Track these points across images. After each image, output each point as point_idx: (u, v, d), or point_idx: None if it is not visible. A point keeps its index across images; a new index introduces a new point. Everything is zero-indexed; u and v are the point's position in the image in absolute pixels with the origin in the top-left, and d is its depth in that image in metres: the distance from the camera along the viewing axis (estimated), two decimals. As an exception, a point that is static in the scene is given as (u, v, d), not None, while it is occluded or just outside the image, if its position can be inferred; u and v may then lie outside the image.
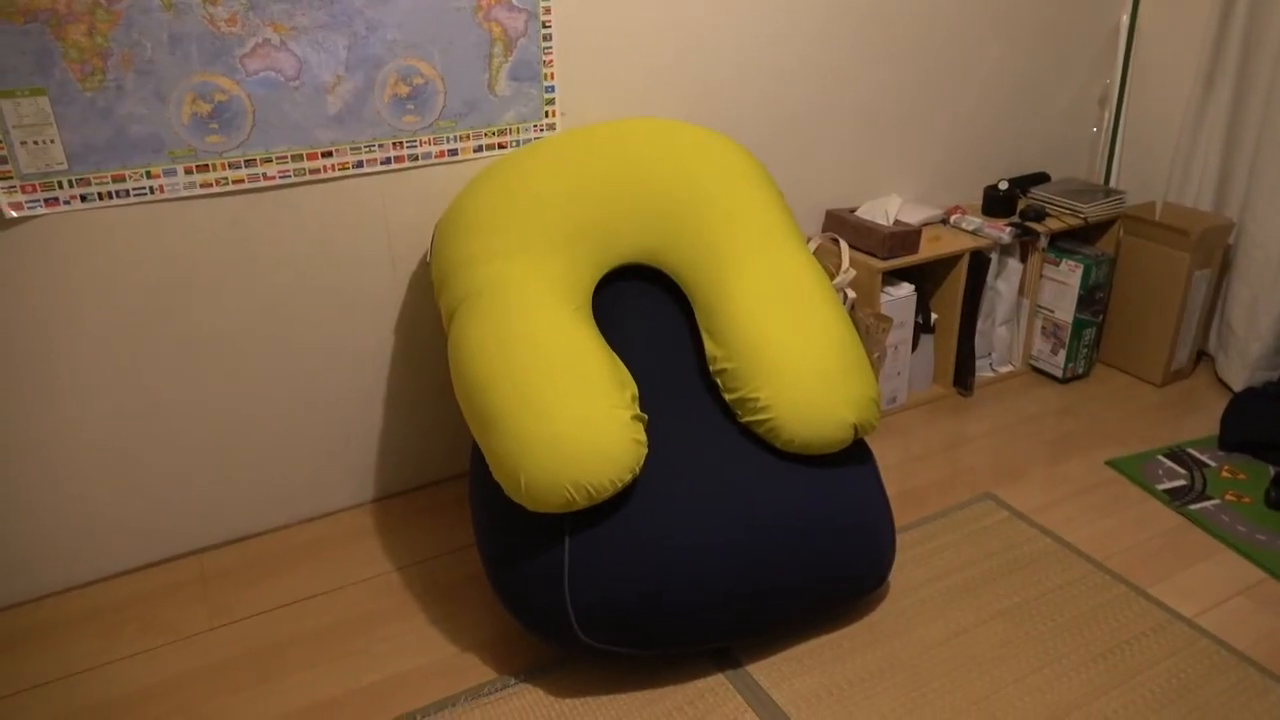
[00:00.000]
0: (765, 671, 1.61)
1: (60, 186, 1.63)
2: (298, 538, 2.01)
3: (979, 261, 2.36)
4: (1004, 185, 2.46)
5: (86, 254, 1.68)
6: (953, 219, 2.44)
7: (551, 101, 1.98)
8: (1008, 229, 2.34)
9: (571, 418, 1.48)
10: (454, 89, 1.87)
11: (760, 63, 2.17)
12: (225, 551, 1.96)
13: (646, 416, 1.62)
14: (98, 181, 1.65)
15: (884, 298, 2.26)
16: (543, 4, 1.88)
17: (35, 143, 1.59)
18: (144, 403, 1.81)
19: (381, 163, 1.86)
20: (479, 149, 1.94)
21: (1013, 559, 1.87)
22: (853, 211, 2.38)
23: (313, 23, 1.71)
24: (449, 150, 1.91)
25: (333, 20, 1.72)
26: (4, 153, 1.57)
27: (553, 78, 1.96)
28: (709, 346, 1.74)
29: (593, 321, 1.72)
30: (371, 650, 1.69)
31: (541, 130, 1.99)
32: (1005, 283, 2.46)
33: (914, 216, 2.41)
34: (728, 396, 1.70)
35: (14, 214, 1.61)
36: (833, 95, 2.29)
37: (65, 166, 1.62)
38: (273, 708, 1.56)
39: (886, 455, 2.24)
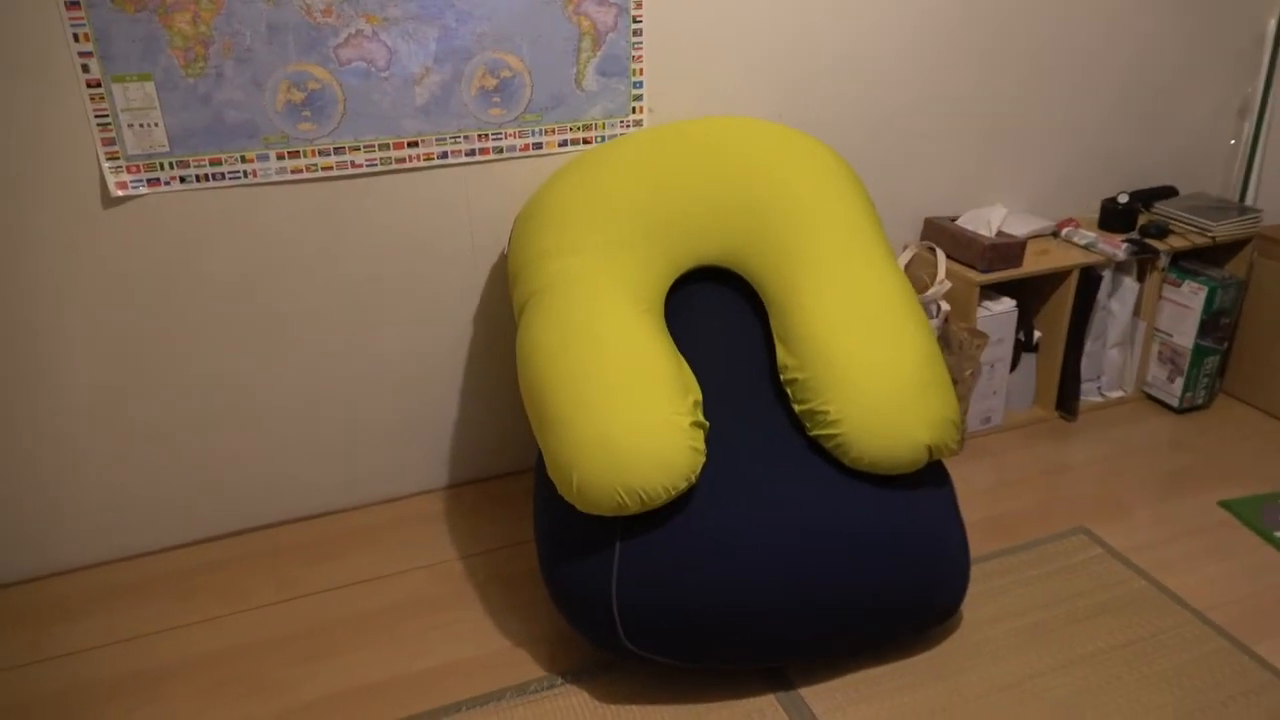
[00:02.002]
0: (820, 697, 1.55)
1: (162, 168, 1.70)
2: (370, 519, 2.05)
3: (1090, 279, 2.21)
4: (1124, 198, 2.30)
5: (184, 233, 1.75)
6: (1064, 232, 2.29)
7: (639, 98, 1.95)
8: (1124, 245, 2.18)
9: (628, 421, 1.46)
10: (541, 83, 1.86)
11: (858, 60, 2.09)
12: (299, 527, 2.02)
13: (708, 423, 1.58)
14: (196, 164, 1.72)
15: (982, 312, 2.15)
16: (634, -2, 1.86)
17: (141, 125, 1.67)
18: (231, 378, 1.88)
19: (466, 154, 1.87)
20: (564, 143, 1.93)
21: (1102, 601, 1.74)
22: (954, 220, 2.26)
23: (404, 14, 1.73)
24: (533, 144, 1.91)
25: (424, 12, 1.74)
26: (113, 134, 1.65)
27: (641, 74, 1.93)
28: (781, 355, 1.68)
29: (663, 322, 1.68)
30: (427, 636, 1.71)
31: (628, 126, 1.97)
32: (1119, 302, 2.30)
33: (1020, 228, 2.27)
34: (797, 408, 1.64)
35: (120, 193, 1.69)
36: (937, 95, 2.19)
37: (167, 149, 1.69)
38: (325, 685, 1.60)
39: (976, 478, 2.12)
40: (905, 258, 2.26)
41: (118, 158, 1.67)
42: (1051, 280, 2.23)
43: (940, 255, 2.17)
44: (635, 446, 1.44)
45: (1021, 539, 1.92)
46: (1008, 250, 2.12)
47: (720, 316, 1.81)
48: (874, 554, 1.53)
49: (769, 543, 1.50)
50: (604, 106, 1.93)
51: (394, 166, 1.83)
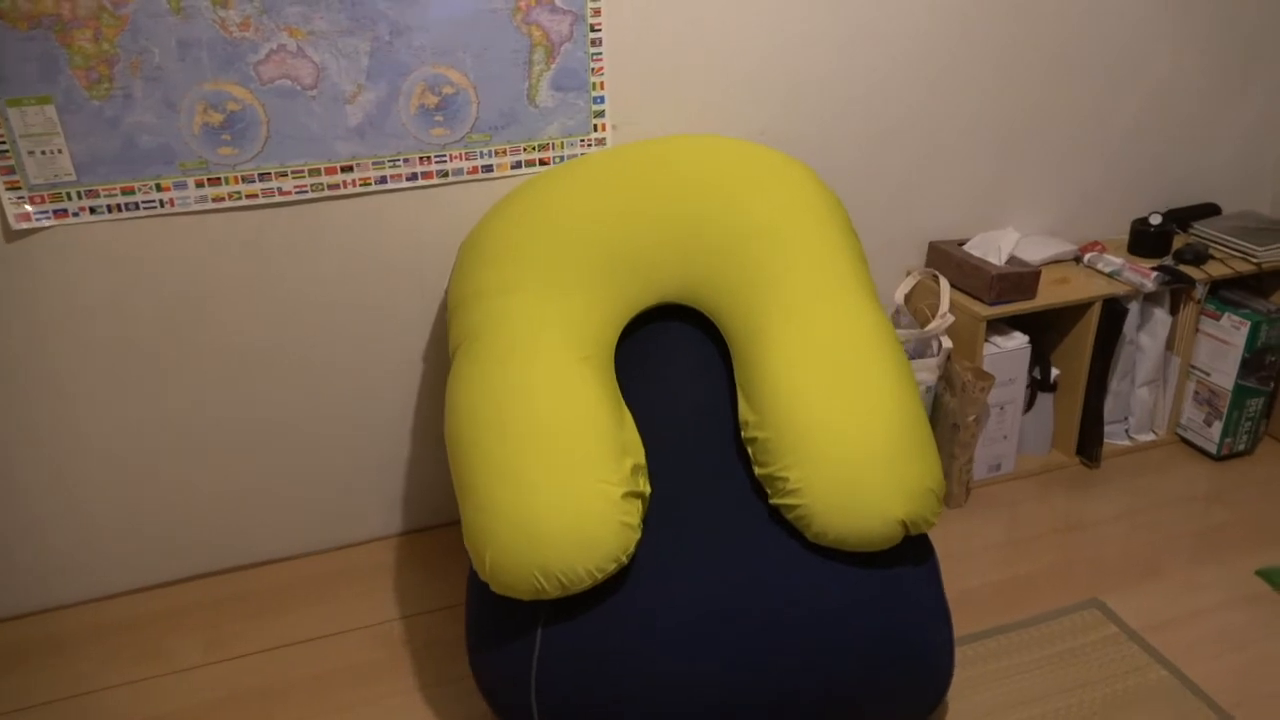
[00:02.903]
0: (772, 804, 1.36)
1: (69, 198, 1.57)
2: (316, 568, 1.91)
3: (1114, 311, 1.97)
4: (1156, 219, 2.05)
5: (97, 268, 1.62)
6: (1087, 257, 2.05)
7: (601, 114, 1.77)
8: (1153, 274, 1.94)
9: (549, 493, 1.28)
10: (488, 99, 1.69)
11: (852, 69, 1.87)
12: (240, 576, 1.88)
13: (648, 491, 1.39)
14: (106, 193, 1.58)
15: (989, 349, 1.92)
16: (591, 5, 1.67)
17: (43, 152, 1.53)
18: (158, 419, 1.75)
19: (407, 179, 1.71)
20: (517, 165, 1.76)
21: (1112, 693, 1.51)
22: (961, 245, 2.04)
23: (332, 27, 1.57)
24: (482, 166, 1.74)
25: (354, 24, 1.58)
26: (12, 163, 1.52)
27: (602, 87, 1.75)
28: (742, 409, 1.49)
29: (608, 370, 1.50)
30: (356, 711, 1.55)
31: (590, 145, 1.79)
32: (1149, 336, 2.06)
33: (1037, 253, 2.04)
34: (758, 470, 1.44)
35: (23, 225, 1.56)
36: (942, 107, 1.97)
37: (74, 177, 1.56)
38: (231, 769, 1.46)
39: (981, 534, 1.91)
40: (906, 286, 2.04)
41: (19, 187, 1.54)
42: (1071, 312, 2.00)
43: (944, 285, 1.96)
44: (556, 523, 1.26)
45: (1026, 611, 1.70)
46: (1019, 280, 1.89)
47: (681, 361, 1.62)
48: (845, 648, 1.33)
49: (713, 634, 1.31)
50: (561, 124, 1.75)
51: (327, 193, 1.67)
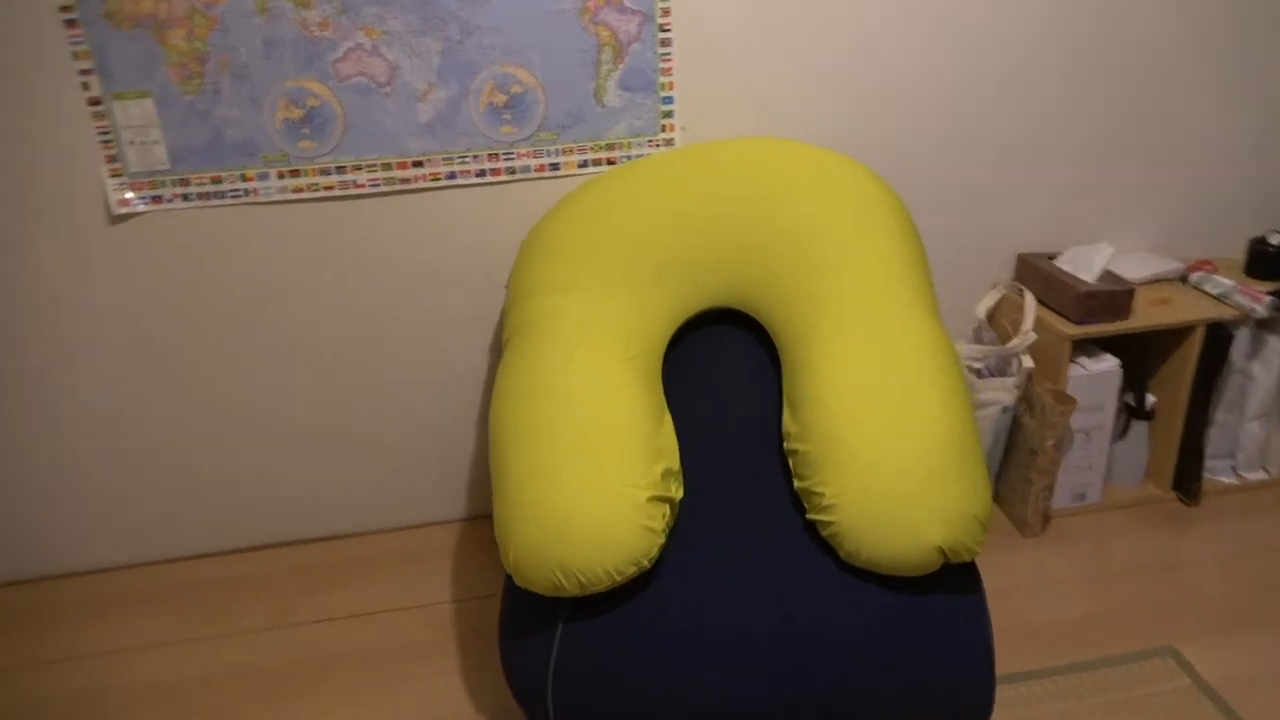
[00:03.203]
0: (786, 827, 1.32)
1: (164, 185, 1.68)
2: (380, 546, 1.98)
3: (1220, 336, 1.82)
4: (1276, 239, 1.88)
5: (187, 251, 1.73)
6: (1194, 277, 1.90)
7: (669, 114, 1.76)
8: (1267, 298, 1.78)
9: (573, 490, 1.28)
10: (555, 99, 1.71)
11: (936, 68, 1.80)
12: (309, 549, 1.98)
13: (678, 496, 1.38)
14: (197, 182, 1.68)
15: (1076, 371, 1.81)
16: (660, 4, 1.66)
17: (142, 143, 1.65)
18: (240, 396, 1.85)
19: (476, 175, 1.75)
20: (584, 164, 1.77)
21: (1174, 748, 1.40)
22: (1052, 259, 1.92)
23: (406, 27, 1.62)
24: (549, 164, 1.76)
25: (426, 24, 1.62)
26: (115, 152, 1.64)
27: (671, 88, 1.74)
28: (786, 419, 1.45)
29: (653, 372, 1.49)
30: (392, 688, 1.60)
31: (657, 146, 1.78)
32: (1263, 366, 1.88)
33: (1137, 270, 1.91)
34: (797, 484, 1.40)
35: (123, 210, 1.68)
36: (1040, 109, 1.86)
37: (168, 166, 1.67)
38: (274, 733, 1.53)
39: (1056, 567, 1.79)
40: (989, 300, 1.94)
41: (120, 174, 1.66)
42: (1172, 336, 1.86)
43: (1029, 300, 1.85)
44: (577, 522, 1.26)
45: (1094, 652, 1.59)
46: (1110, 299, 1.77)
47: (732, 367, 1.60)
48: (862, 677, 1.28)
49: (734, 649, 1.28)
50: (629, 124, 1.75)
51: (399, 187, 1.73)
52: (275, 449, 1.90)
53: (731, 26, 1.71)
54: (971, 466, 1.33)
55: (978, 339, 1.96)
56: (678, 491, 1.38)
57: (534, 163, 1.76)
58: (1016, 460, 1.87)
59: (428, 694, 1.59)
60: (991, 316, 1.98)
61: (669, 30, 1.69)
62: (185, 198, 1.69)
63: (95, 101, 1.60)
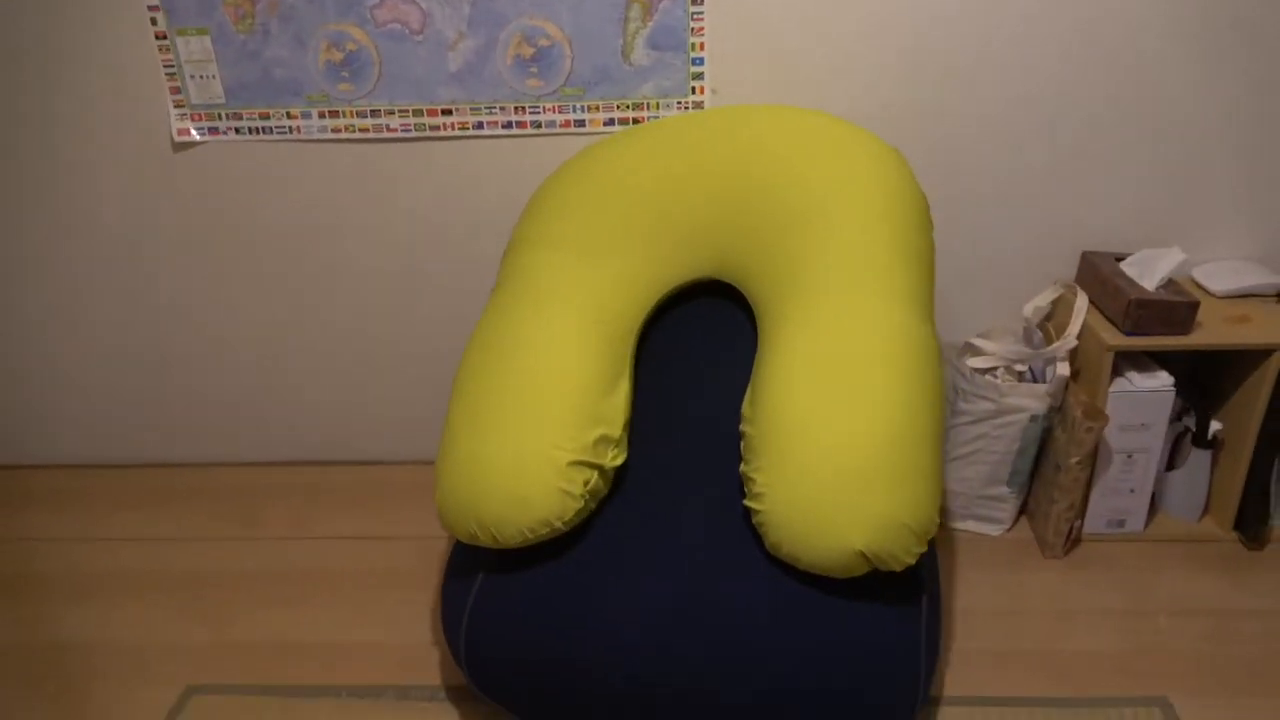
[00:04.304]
0: (680, 807, 1.31)
1: (219, 118, 1.80)
2: (411, 477, 2.08)
3: (1303, 365, 1.58)
4: (1397, 259, 1.60)
5: (239, 179, 1.85)
6: (1288, 295, 1.66)
7: (699, 76, 1.70)
8: (1365, 327, 1.53)
9: (499, 446, 1.30)
10: (582, 54, 1.69)
11: (1000, 39, 1.64)
12: (342, 470, 2.11)
13: (611, 464, 1.36)
14: (248, 116, 1.80)
15: (1122, 385, 1.63)
16: (690, -39, 1.61)
17: (201, 77, 1.77)
18: (281, 320, 1.98)
19: (503, 126, 1.77)
20: (610, 122, 1.75)
21: (1125, 809, 1.27)
22: (1120, 260, 1.73)
23: (438, -25, 1.65)
24: (575, 120, 1.75)
25: (457, -27, 1.65)
26: (179, 84, 1.78)
27: (701, 49, 1.68)
28: (745, 402, 1.40)
29: (623, 339, 1.47)
30: (387, 610, 1.67)
31: (686, 108, 1.73)
32: (1361, 404, 1.63)
33: (1223, 281, 1.69)
34: (741, 467, 1.36)
35: (184, 139, 1.82)
36: (1123, 93, 1.66)
37: (223, 101, 1.79)
38: (263, 631, 1.64)
39: (1068, 593, 1.65)
40: (1042, 300, 1.78)
41: (183, 106, 1.80)
42: (1248, 359, 1.64)
43: (1079, 303, 1.68)
44: (495, 478, 1.29)
45: (1077, 689, 1.46)
46: (1166, 310, 1.58)
47: (721, 345, 1.55)
48: (782, 661, 1.24)
49: (647, 621, 1.27)
50: (657, 84, 1.71)
51: (429, 134, 1.78)
52: (312, 373, 2.03)
53: (768, -14, 1.63)
54: (914, 471, 1.24)
55: (1027, 340, 1.80)
56: (614, 460, 1.37)
57: (559, 118, 1.76)
58: (1044, 474, 1.72)
59: (408, 620, 1.66)
60: (1049, 318, 1.81)
61: (699, -13, 1.63)
62: (238, 131, 1.81)
63: (161, 36, 1.74)
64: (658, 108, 1.74)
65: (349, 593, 1.74)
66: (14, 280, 1.97)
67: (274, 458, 2.14)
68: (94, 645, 1.64)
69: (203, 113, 1.80)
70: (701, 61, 1.69)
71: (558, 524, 1.29)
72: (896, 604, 1.29)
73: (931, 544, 1.46)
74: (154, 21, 1.72)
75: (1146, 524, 1.76)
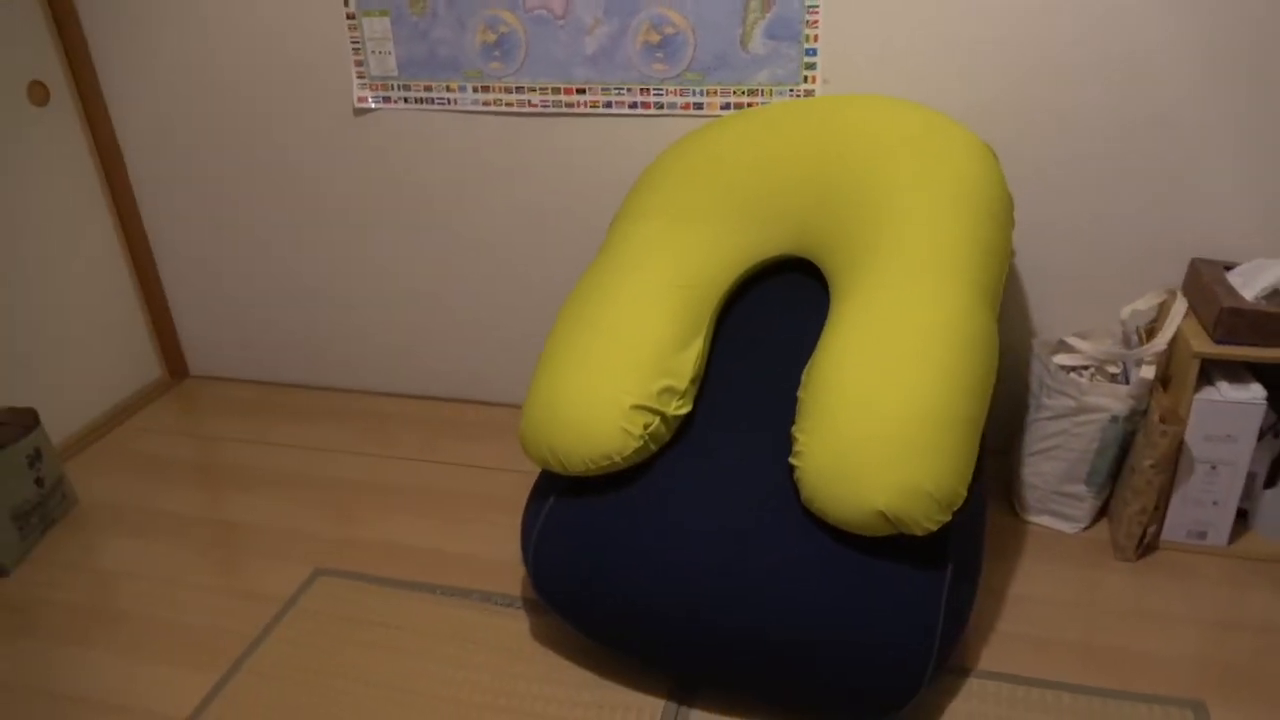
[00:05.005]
0: (703, 725, 1.45)
1: (392, 89, 2.08)
2: (513, 416, 2.31)
3: None
4: None
5: (405, 143, 2.13)
6: None
7: (812, 66, 1.81)
8: None
9: (575, 384, 1.48)
10: (704, 41, 1.84)
11: (1115, 36, 1.65)
12: (470, 407, 2.37)
13: (674, 414, 1.50)
14: (415, 89, 2.06)
15: (1209, 394, 1.61)
16: (807, -42, 1.71)
17: (380, 53, 2.05)
18: (428, 272, 2.25)
19: (629, 106, 1.94)
20: (725, 106, 1.88)
21: (1130, 795, 1.30)
22: (1229, 269, 1.69)
23: (580, -33, 1.84)
24: (694, 104, 1.90)
25: (597, -34, 1.83)
26: (362, 58, 2.07)
27: (815, 40, 1.78)
28: (807, 368, 1.51)
29: (705, 303, 1.61)
30: (491, 527, 1.91)
31: (798, 95, 1.84)
32: None
33: (1338, 298, 1.63)
34: (792, 428, 1.47)
35: (363, 105, 2.11)
36: (1243, 95, 1.63)
37: (396, 74, 2.06)
38: (384, 533, 1.91)
39: (1132, 595, 1.65)
40: (1144, 304, 1.76)
41: (364, 77, 2.08)
42: (1356, 379, 1.58)
43: (1177, 308, 1.67)
44: (565, 412, 1.47)
45: (1112, 683, 1.48)
46: (1261, 321, 1.55)
47: (797, 316, 1.66)
48: (803, 609, 1.36)
49: (692, 550, 1.42)
50: (771, 72, 1.83)
51: (564, 110, 1.98)
52: (453, 318, 2.29)
53: (881, -18, 1.71)
54: (946, 446, 1.32)
55: (1124, 344, 1.80)
56: (677, 409, 1.52)
57: (680, 100, 1.91)
58: (1123, 477, 1.72)
59: (501, 539, 1.89)
60: (1154, 323, 1.80)
61: (815, -17, 1.74)
62: (406, 100, 2.08)
63: (351, 16, 2.02)
64: (771, 94, 1.85)
65: (456, 510, 1.98)
66: (216, 224, 2.34)
67: (416, 391, 2.43)
68: (251, 526, 1.96)
69: (380, 83, 2.08)
70: (815, 52, 1.80)
71: (617, 459, 1.46)
72: (921, 569, 1.37)
73: (977, 521, 1.52)
74: (346, 3, 2.01)
75: (1231, 539, 1.73)
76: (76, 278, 2.27)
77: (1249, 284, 1.62)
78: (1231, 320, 1.56)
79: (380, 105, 2.10)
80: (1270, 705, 1.43)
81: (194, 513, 2.01)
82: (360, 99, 2.10)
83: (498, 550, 1.85)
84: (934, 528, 1.32)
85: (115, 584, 1.81)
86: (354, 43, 2.05)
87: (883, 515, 1.31)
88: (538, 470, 2.07)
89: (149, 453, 2.25)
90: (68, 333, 2.26)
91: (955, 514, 1.36)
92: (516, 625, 1.66)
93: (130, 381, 2.46)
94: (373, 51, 2.05)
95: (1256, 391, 1.60)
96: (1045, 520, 1.83)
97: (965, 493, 1.34)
